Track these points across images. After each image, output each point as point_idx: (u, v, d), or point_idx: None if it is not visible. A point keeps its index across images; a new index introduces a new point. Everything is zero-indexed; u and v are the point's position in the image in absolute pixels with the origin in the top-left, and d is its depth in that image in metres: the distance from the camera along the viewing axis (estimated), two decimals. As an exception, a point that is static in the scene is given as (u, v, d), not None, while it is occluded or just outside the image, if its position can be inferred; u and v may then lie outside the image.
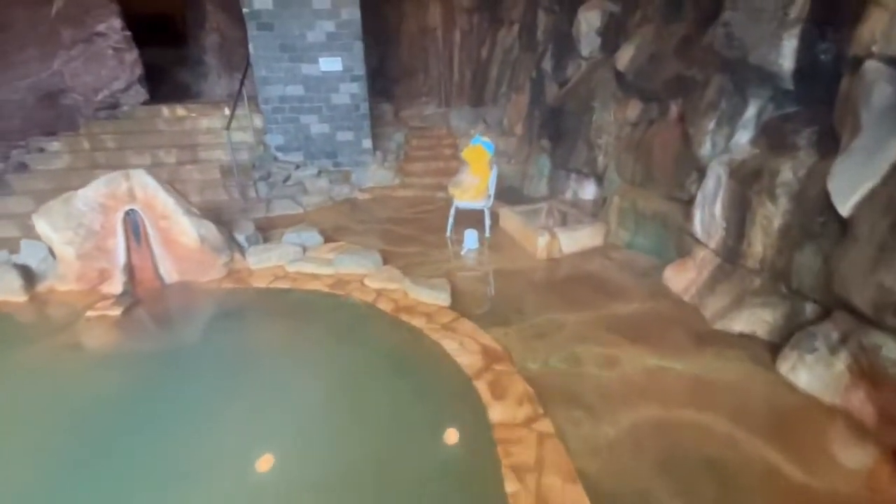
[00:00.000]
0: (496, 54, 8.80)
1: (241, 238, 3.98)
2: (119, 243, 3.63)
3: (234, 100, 5.88)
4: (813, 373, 2.23)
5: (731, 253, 2.95)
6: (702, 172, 3.20)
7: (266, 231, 4.72)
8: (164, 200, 3.76)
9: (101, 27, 6.12)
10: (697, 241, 3.27)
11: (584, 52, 5.13)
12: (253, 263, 3.87)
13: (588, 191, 4.83)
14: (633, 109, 4.12)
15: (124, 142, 6.20)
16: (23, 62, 5.96)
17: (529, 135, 6.38)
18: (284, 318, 3.19)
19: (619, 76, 4.26)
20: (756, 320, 2.66)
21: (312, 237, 4.17)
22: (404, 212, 5.44)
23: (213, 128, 6.50)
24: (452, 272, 3.74)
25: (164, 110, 6.66)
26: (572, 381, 2.41)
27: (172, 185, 4.01)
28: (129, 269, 3.63)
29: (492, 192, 4.51)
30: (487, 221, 4.51)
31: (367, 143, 6.40)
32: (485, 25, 9.65)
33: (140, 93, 6.60)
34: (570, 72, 5.36)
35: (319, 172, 6.14)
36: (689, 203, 3.36)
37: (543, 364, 2.54)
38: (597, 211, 4.42)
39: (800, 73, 2.53)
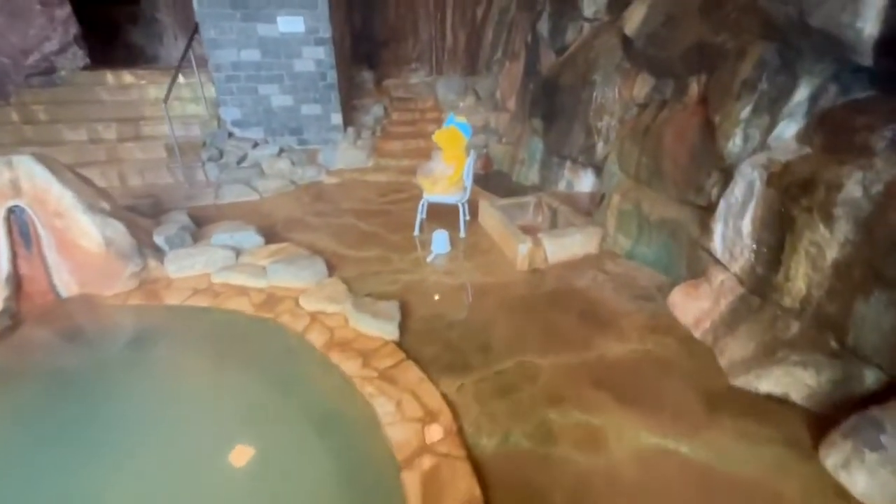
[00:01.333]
0: (492, 14, 7.81)
1: (160, 240, 3.30)
2: (1, 248, 2.96)
3: (177, 66, 5.06)
4: (876, 479, 1.59)
5: (761, 284, 2.25)
6: (727, 174, 2.45)
7: (206, 225, 4.04)
8: (59, 194, 3.06)
9: (23, -24, 5.24)
10: (716, 260, 2.56)
11: (588, 11, 4.26)
12: (172, 272, 3.20)
13: (584, 182, 4.08)
14: (642, 86, 3.32)
15: (58, 113, 5.43)
16: (-66, 18, 5.13)
17: (523, 112, 5.55)
18: (189, 353, 2.55)
19: (626, 43, 3.44)
20: (792, 381, 2.00)
21: (249, 237, 3.48)
22: (373, 201, 4.71)
23: (161, 98, 5.69)
24: (411, 287, 3.07)
25: (109, 77, 5.84)
26: (539, 472, 1.77)
27: (73, 169, 3.30)
28: (16, 281, 2.98)
29: (468, 183, 3.77)
30: (462, 219, 3.80)
31: (337, 119, 5.60)
32: (481, -18, 8.57)
33: (78, 56, 5.77)
34: (569, 37, 4.49)
35: (281, 152, 5.38)
36: (707, 210, 2.64)
37: (503, 440, 1.90)
38: (593, 209, 3.69)
39: (885, 43, 1.75)
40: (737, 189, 2.34)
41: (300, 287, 3.02)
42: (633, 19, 3.30)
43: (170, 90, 4.79)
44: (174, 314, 2.85)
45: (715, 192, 2.57)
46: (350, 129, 5.73)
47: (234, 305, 2.88)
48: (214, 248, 3.29)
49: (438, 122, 6.45)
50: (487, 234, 3.83)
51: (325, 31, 5.14)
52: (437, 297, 2.97)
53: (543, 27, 4.74)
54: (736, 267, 2.42)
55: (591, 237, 3.39)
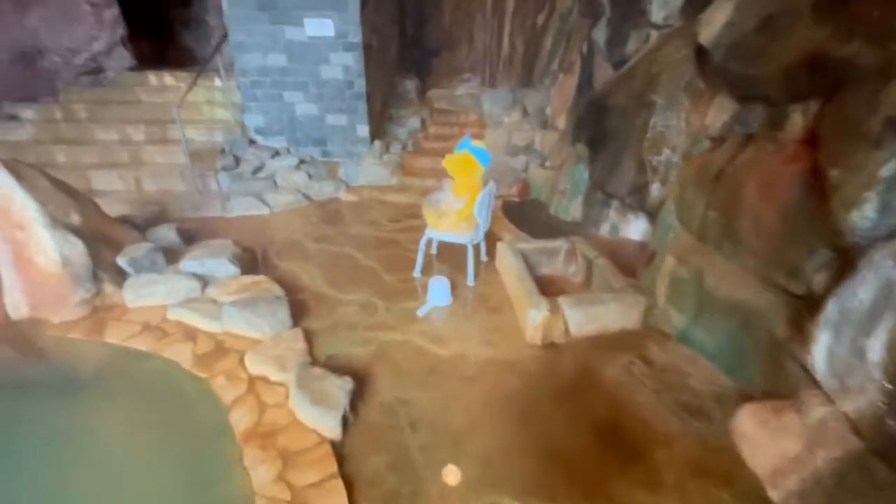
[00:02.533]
0: (553, 21, 7.05)
1: (123, 262, 2.94)
2: (-44, 260, 2.73)
3: (199, 70, 4.85)
4: None
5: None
6: (845, 258, 1.59)
7: (199, 241, 3.69)
8: (22, 205, 2.79)
9: (76, -22, 5.33)
10: (815, 382, 1.69)
11: (657, 16, 3.42)
12: (129, 300, 2.83)
13: (633, 229, 3.23)
14: (719, 113, 2.46)
15: (97, 113, 5.45)
16: (-3, 17, 5.34)
17: (570, 136, 4.76)
18: (86, 417, 2.09)
19: (700, 55, 2.60)
20: None
21: (221, 266, 3.04)
22: (383, 226, 4.16)
23: (196, 101, 5.57)
24: (385, 352, 2.44)
25: (151, 78, 5.83)
26: None
27: (52, 176, 3.05)
28: (-33, 296, 2.74)
29: (482, 220, 3.08)
30: (471, 264, 3.11)
31: (363, 131, 5.14)
32: (545, -14, 7.84)
33: (124, 56, 5.81)
34: (631, 47, 3.67)
35: (300, 164, 5.00)
36: (805, 304, 1.77)
37: None
38: (639, 267, 2.85)
39: None
40: (862, 288, 1.47)
41: (254, 338, 2.50)
42: (713, 24, 2.46)
43: (184, 95, 4.57)
44: (104, 358, 2.44)
45: (821, 280, 1.70)
46: (377, 143, 5.25)
47: (173, 354, 2.42)
48: (179, 277, 2.88)
49: (479, 139, 5.79)
50: (502, 285, 3.11)
51: (355, 36, 4.70)
52: (411, 369, 2.32)
53: (600, 35, 3.94)
54: (849, 405, 1.54)
55: (633, 307, 2.57)
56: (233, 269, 3.05)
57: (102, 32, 5.57)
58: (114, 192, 4.68)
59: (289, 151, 5.20)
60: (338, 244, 3.79)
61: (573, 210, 4.07)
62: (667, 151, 2.72)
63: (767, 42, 2.12)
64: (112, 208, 4.39)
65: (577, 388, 2.23)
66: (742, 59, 2.25)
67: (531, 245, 3.28)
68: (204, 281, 2.96)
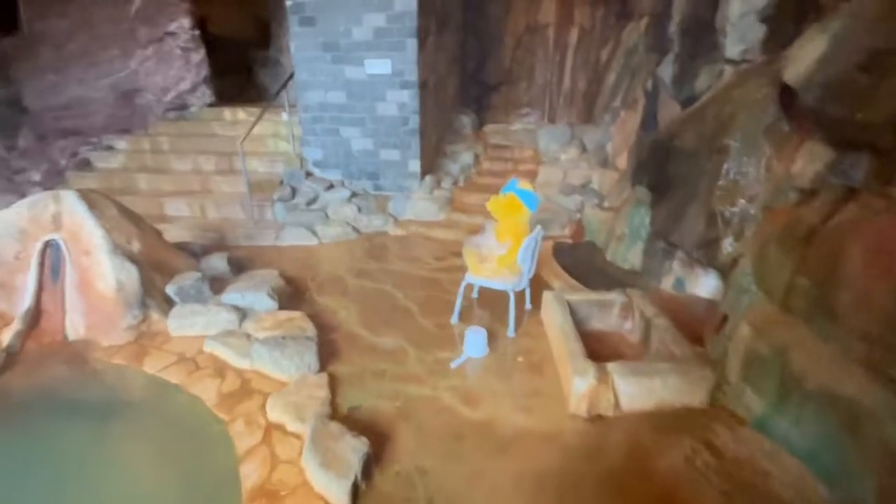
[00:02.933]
0: (618, 56, 6.82)
1: (171, 291, 3.03)
2: (30, 281, 2.95)
3: (265, 107, 5.15)
4: None
5: None
6: None
7: (249, 270, 3.79)
8: (91, 231, 2.99)
9: (172, 26, 5.95)
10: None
11: (732, 50, 3.12)
12: (173, 329, 2.89)
13: (702, 286, 2.84)
14: (810, 162, 2.10)
15: (177, 145, 5.96)
16: (106, 61, 6.07)
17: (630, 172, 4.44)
18: (106, 453, 2.08)
19: (785, 95, 2.26)
20: None
21: (261, 300, 3.05)
22: (426, 264, 4.04)
23: (263, 134, 5.92)
24: (411, 410, 2.25)
25: (227, 113, 6.31)
26: None
27: (115, 199, 3.26)
28: (35, 316, 2.93)
29: (526, 268, 2.85)
30: (512, 313, 2.87)
31: (414, 166, 5.15)
32: (611, 21, 7.68)
33: (206, 94, 6.35)
34: (701, 84, 3.36)
35: (352, 196, 5.08)
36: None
37: None
38: (708, 334, 2.47)
39: None
40: None
41: (280, 379, 2.42)
42: (802, 60, 2.13)
43: (248, 132, 4.83)
44: (137, 387, 2.47)
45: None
46: (428, 178, 5.23)
47: (200, 390, 2.39)
48: (219, 309, 2.91)
49: (532, 175, 5.61)
50: (546, 340, 2.84)
51: (412, 75, 4.77)
52: (432, 433, 2.10)
53: (666, 71, 3.67)
54: None
55: (698, 382, 2.20)
56: (271, 304, 3.05)
57: (189, 73, 6.14)
58: (182, 217, 5.00)
59: (343, 184, 5.31)
60: (378, 280, 3.71)
61: (631, 257, 3.72)
62: (742, 202, 2.37)
63: (875, 81, 1.78)
64: (177, 234, 4.70)
65: (626, 475, 1.90)
66: (841, 99, 1.91)
67: (581, 297, 2.99)
68: (243, 314, 2.97)
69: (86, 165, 5.82)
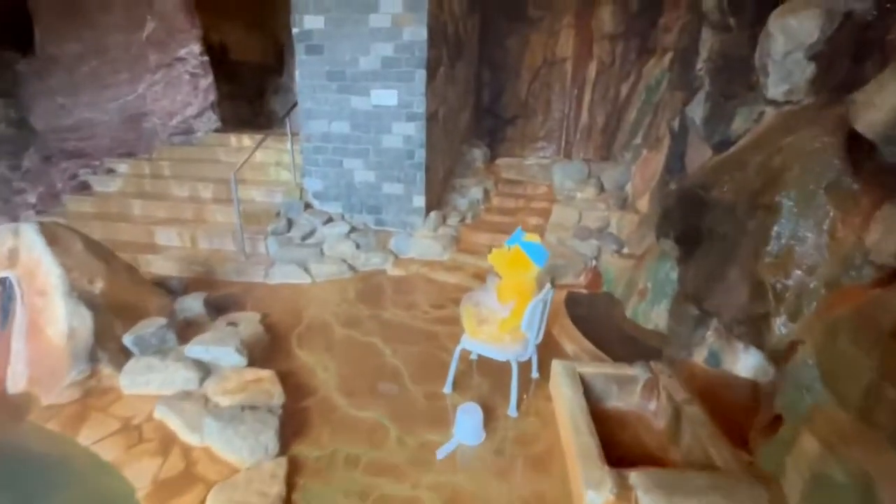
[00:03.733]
0: (639, 91, 6.53)
1: (129, 341, 2.69)
2: (-24, 323, 2.65)
3: (264, 136, 4.95)
4: None
5: None
6: None
7: (229, 312, 3.46)
8: (48, 270, 2.69)
9: (182, 52, 5.88)
10: None
11: (774, 91, 2.74)
12: (125, 386, 2.53)
13: (743, 363, 2.38)
14: (891, 231, 1.67)
15: (178, 170, 5.78)
16: (115, 84, 6.01)
17: (653, 220, 4.03)
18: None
19: (855, 147, 1.86)
20: None
21: (227, 355, 2.67)
22: (422, 312, 3.64)
23: (265, 162, 5.72)
24: (380, 518, 1.82)
25: (232, 139, 6.15)
26: None
27: (89, 239, 2.97)
28: (-25, 362, 2.61)
29: (532, 335, 2.44)
30: (514, 388, 2.43)
31: (419, 201, 4.83)
32: (631, 56, 7.43)
33: (212, 119, 6.21)
34: (737, 127, 2.98)
35: (351, 231, 4.75)
36: None
37: None
38: (756, 437, 1.99)
39: None
40: None
41: (230, 463, 2.02)
42: (879, 106, 1.74)
43: (244, 161, 4.60)
44: (64, 465, 2.08)
45: None
46: (433, 214, 4.89)
47: (135, 473, 2.00)
48: (178, 366, 2.55)
49: (544, 215, 5.24)
50: (554, 421, 2.39)
51: (419, 106, 4.51)
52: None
53: (696, 111, 3.30)
54: None
55: (744, 499, 1.72)
56: (239, 360, 2.67)
57: (196, 98, 6.03)
58: (171, 248, 4.73)
59: (343, 217, 5.01)
60: (367, 331, 3.32)
61: (656, 317, 3.28)
62: (799, 273, 1.93)
63: None
64: (162, 266, 4.42)
65: None
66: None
67: (597, 370, 2.55)
68: (206, 370, 2.60)
69: (84, 188, 5.67)
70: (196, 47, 5.87)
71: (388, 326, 3.41)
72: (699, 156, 3.33)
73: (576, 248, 4.35)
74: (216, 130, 6.27)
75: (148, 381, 2.51)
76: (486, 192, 5.78)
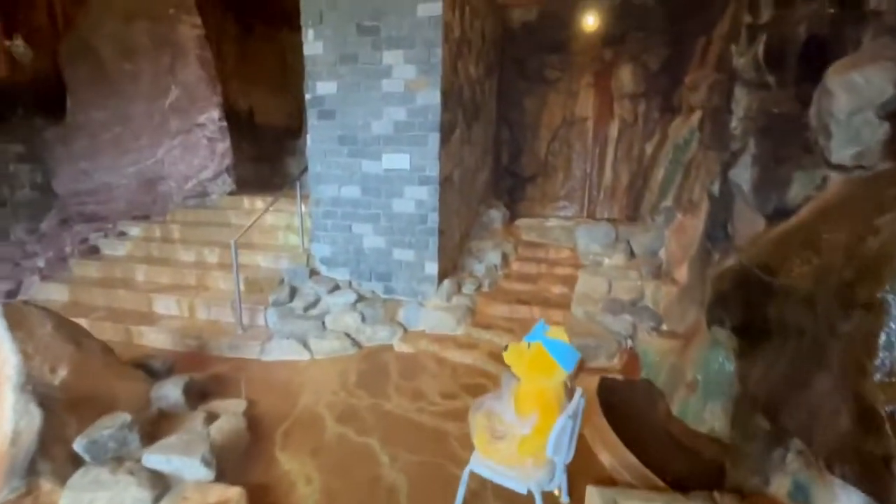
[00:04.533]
0: (666, 150, 6.21)
1: (80, 445, 2.29)
2: (-86, 420, 2.32)
3: (273, 199, 4.79)
4: None
5: None
6: None
7: (212, 398, 3.06)
8: (5, 358, 2.38)
9: (202, 118, 5.96)
10: None
11: (840, 153, 2.34)
12: (66, 505, 2.11)
13: (845, 508, 1.79)
14: None
15: (187, 233, 5.66)
16: (136, 150, 6.10)
17: (699, 291, 3.53)
18: None
19: None
20: None
21: (191, 468, 2.24)
22: (432, 403, 3.14)
23: (276, 226, 5.54)
24: None
25: (245, 202, 6.06)
26: None
27: (67, 319, 2.67)
28: None
29: (560, 459, 1.92)
30: (538, 527, 1.89)
31: (431, 268, 4.47)
32: (654, 114, 7.24)
33: (227, 182, 6.18)
34: (795, 193, 2.56)
35: (358, 301, 4.39)
36: None
37: None
38: None
39: None
40: None
41: None
42: None
43: (251, 225, 4.41)
44: None
45: None
46: (447, 282, 4.51)
47: None
48: (129, 481, 2.12)
49: (568, 283, 4.78)
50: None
51: (432, 170, 4.27)
52: None
53: (742, 175, 2.90)
54: None
55: None
56: (204, 473, 2.23)
57: (213, 162, 6.03)
58: (168, 317, 4.45)
59: (350, 285, 4.67)
60: (364, 429, 2.84)
61: (710, 417, 2.70)
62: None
63: None
64: (154, 339, 4.12)
65: None
66: None
67: (644, 496, 1.99)
68: (164, 486, 2.16)
69: (92, 252, 5.56)
70: (216, 113, 5.95)
71: (389, 422, 2.92)
72: (749, 225, 2.89)
73: (607, 325, 3.83)
74: (230, 193, 6.22)
75: (93, 499, 2.08)
76: (505, 257, 5.40)
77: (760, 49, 3.46)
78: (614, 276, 4.45)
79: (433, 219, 4.38)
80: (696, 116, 5.26)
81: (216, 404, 3.03)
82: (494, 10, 6.60)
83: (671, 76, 6.88)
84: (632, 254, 4.96)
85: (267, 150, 8.55)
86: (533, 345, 1.94)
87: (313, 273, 4.74)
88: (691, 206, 4.38)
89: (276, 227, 5.48)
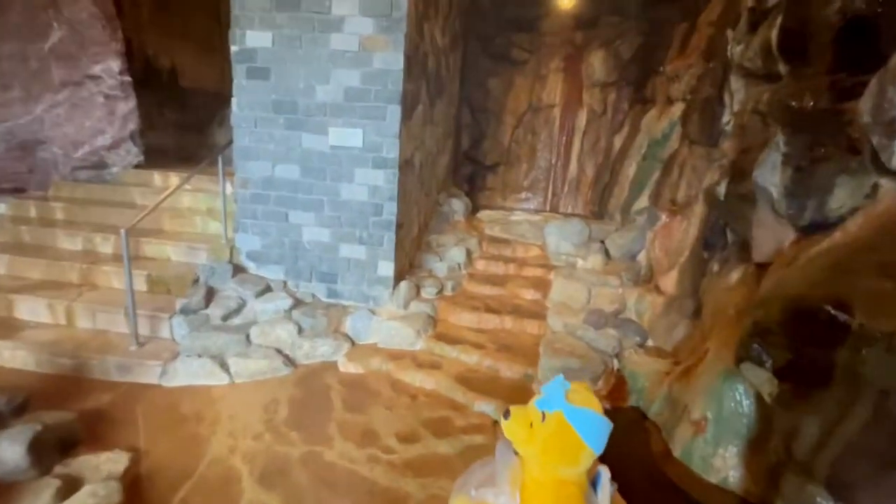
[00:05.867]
0: (637, 144, 5.86)
1: None
2: None
3: (185, 178, 3.83)
4: None
5: None
6: None
7: (80, 449, 2.20)
8: None
9: (96, 69, 4.73)
10: None
11: (904, 158, 1.91)
12: None
13: None
14: None
15: (75, 214, 4.48)
16: (4, 104, 4.74)
17: (686, 305, 3.12)
18: None
19: None
20: None
21: None
22: (387, 450, 2.46)
23: (194, 209, 4.53)
24: None
25: (156, 177, 4.95)
26: None
27: None
28: None
29: (584, 576, 1.34)
30: None
31: (386, 269, 3.75)
32: (624, 106, 6.89)
33: (132, 152, 5.01)
34: (837, 202, 2.14)
35: (293, 307, 3.59)
36: None
37: None
38: None
39: None
40: None
41: None
42: None
43: (148, 213, 3.44)
44: None
45: None
46: (404, 285, 3.81)
47: None
48: None
49: (542, 288, 4.25)
50: None
51: (391, 151, 3.52)
52: None
53: (769, 177, 2.45)
54: None
55: None
56: None
57: (111, 126, 4.83)
58: (34, 326, 3.38)
59: (284, 286, 3.84)
60: (294, 493, 2.11)
61: (723, 465, 2.27)
62: None
63: None
64: (11, 357, 3.08)
65: None
66: None
67: None
68: None
69: (-63, 235, 4.25)
70: (115, 64, 4.74)
71: (329, 480, 2.21)
72: (772, 236, 2.45)
73: (590, 342, 3.34)
74: (138, 166, 5.07)
75: None
76: (469, 254, 4.78)
77: (774, 34, 3.04)
78: (592, 281, 3.97)
79: (390, 209, 3.64)
80: (677, 109, 4.88)
81: (83, 462, 2.17)
82: (463, -27, 5.84)
83: (643, 66, 6.53)
84: (607, 254, 4.53)
85: (194, 116, 7.35)
86: (550, 416, 1.31)
87: (238, 270, 3.84)
88: (677, 206, 3.99)
89: (194, 212, 4.47)
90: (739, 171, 2.91)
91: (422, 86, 4.13)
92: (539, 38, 7.17)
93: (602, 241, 4.70)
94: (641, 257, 4.25)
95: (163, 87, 7.23)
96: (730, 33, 3.88)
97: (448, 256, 4.62)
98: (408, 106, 3.63)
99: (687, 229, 3.58)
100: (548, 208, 7.31)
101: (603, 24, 6.91)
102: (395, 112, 3.46)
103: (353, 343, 3.53)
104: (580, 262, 4.56)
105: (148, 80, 6.42)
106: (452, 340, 3.48)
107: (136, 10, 7.03)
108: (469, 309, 3.86)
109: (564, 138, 7.22)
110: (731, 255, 3.03)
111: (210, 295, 3.57)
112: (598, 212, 6.66)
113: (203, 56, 7.80)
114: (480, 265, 4.74)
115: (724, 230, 3.15)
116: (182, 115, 7.12)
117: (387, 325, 3.55)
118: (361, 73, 3.45)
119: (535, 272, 4.57)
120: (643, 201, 5.03)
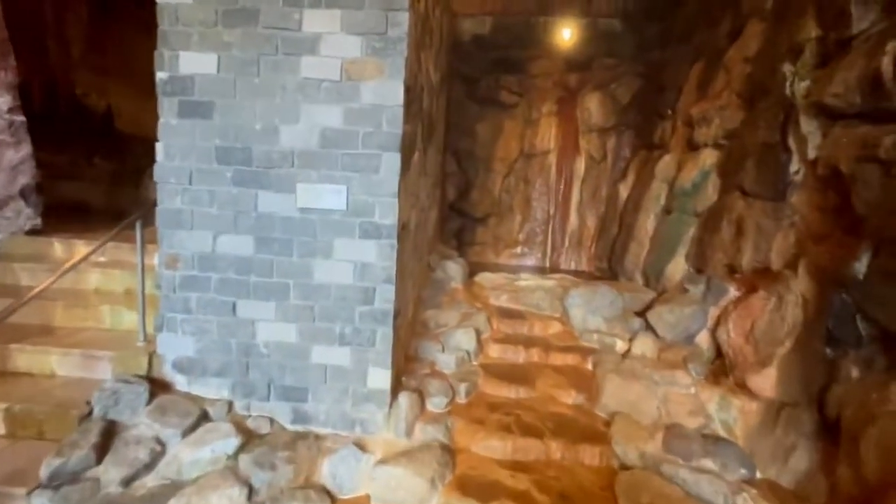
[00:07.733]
0: (653, 195, 5.15)
1: None
2: None
3: (88, 252, 2.66)
4: None
5: None
6: None
7: None
8: None
9: (-24, 105, 3.54)
10: None
11: None
12: None
13: None
14: None
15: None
16: None
17: (802, 417, 2.17)
18: None
19: None
20: None
21: None
22: None
23: (104, 292, 3.29)
24: None
25: (57, 248, 3.69)
26: None
27: None
28: None
29: None
30: None
31: (381, 379, 2.63)
32: (625, 152, 6.30)
33: (23, 214, 3.74)
34: None
35: (241, 448, 2.37)
36: None
37: None
38: None
39: None
40: None
41: None
42: None
43: (24, 303, 2.20)
44: None
45: None
46: (404, 399, 2.68)
47: None
48: None
49: (582, 382, 3.22)
50: None
51: (388, 214, 2.52)
52: None
53: None
54: None
55: None
56: None
57: (-7, 180, 3.59)
58: None
59: (230, 409, 2.62)
60: None
61: None
62: None
63: None
64: None
65: None
66: None
67: None
68: None
69: None
70: (3, 100, 3.57)
71: None
72: None
73: (685, 485, 2.30)
74: (31, 232, 3.79)
75: None
76: (478, 336, 3.72)
77: (885, 62, 2.35)
78: (656, 379, 3.00)
79: (385, 295, 2.57)
80: (708, 155, 4.21)
81: None
82: (449, 10, 5.17)
83: (644, 109, 6.02)
84: (654, 333, 3.60)
85: (133, 166, 6.22)
86: None
87: (158, 390, 2.59)
88: (751, 276, 3.16)
89: (103, 297, 3.24)
90: (889, 242, 2.09)
91: (418, 128, 3.22)
92: (529, 80, 6.59)
93: (641, 316, 3.79)
94: (701, 339, 3.35)
95: (95, 131, 6.12)
96: (787, 68, 3.26)
97: (453, 343, 3.55)
98: (405, 155, 2.67)
99: (780, 311, 2.72)
100: (548, 265, 6.46)
101: (597, 67, 6.43)
102: (392, 161, 2.48)
103: (333, 501, 2.32)
104: (619, 344, 3.61)
105: (76, 122, 5.30)
106: (484, 494, 2.33)
107: (62, 46, 5.98)
108: (496, 428, 2.75)
109: (562, 187, 6.50)
110: (877, 356, 2.16)
111: (107, 439, 2.29)
112: (607, 269, 5.86)
113: (145, 97, 6.68)
114: (494, 351, 3.68)
115: (853, 318, 2.30)
116: (117, 164, 5.99)
117: (384, 470, 2.38)
118: (344, 109, 2.47)
119: (565, 359, 3.57)
120: (678, 262, 4.22)
